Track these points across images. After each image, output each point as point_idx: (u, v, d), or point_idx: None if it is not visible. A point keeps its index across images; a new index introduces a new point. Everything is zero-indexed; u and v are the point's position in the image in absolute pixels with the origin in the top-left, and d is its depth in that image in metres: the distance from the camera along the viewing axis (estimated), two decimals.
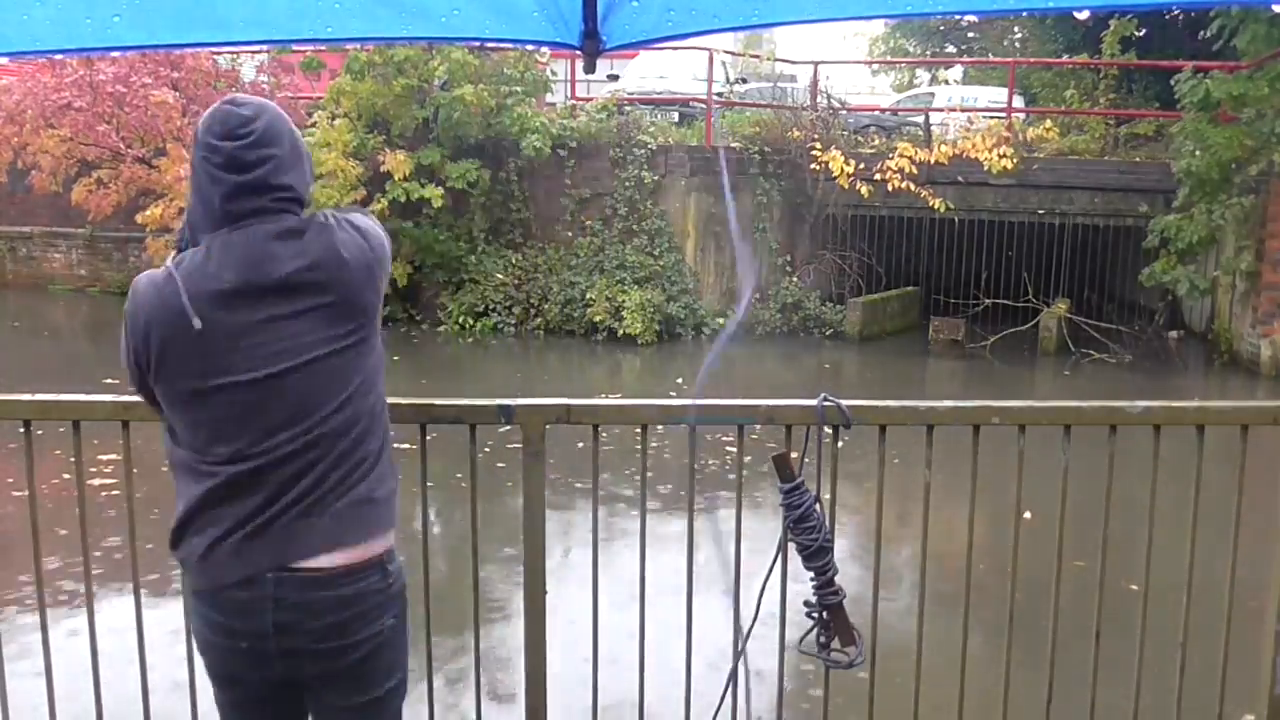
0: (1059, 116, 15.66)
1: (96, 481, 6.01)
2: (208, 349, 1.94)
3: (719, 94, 15.69)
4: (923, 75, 29.86)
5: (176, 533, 2.05)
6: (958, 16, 21.79)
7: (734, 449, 2.80)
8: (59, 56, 10.95)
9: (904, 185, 13.10)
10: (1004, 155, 13.21)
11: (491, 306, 13.62)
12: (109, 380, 8.13)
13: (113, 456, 6.13)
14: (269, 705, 2.14)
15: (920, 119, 15.86)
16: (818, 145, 13.81)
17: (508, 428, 2.66)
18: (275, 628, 1.97)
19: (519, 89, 13.98)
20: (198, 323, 1.91)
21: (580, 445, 2.77)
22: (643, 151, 13.97)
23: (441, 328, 13.57)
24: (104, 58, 12.84)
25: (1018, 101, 17.29)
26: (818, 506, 2.43)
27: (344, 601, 1.99)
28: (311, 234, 1.99)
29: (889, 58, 30.00)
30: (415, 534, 4.01)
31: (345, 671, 2.05)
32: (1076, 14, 1.96)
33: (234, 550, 1.97)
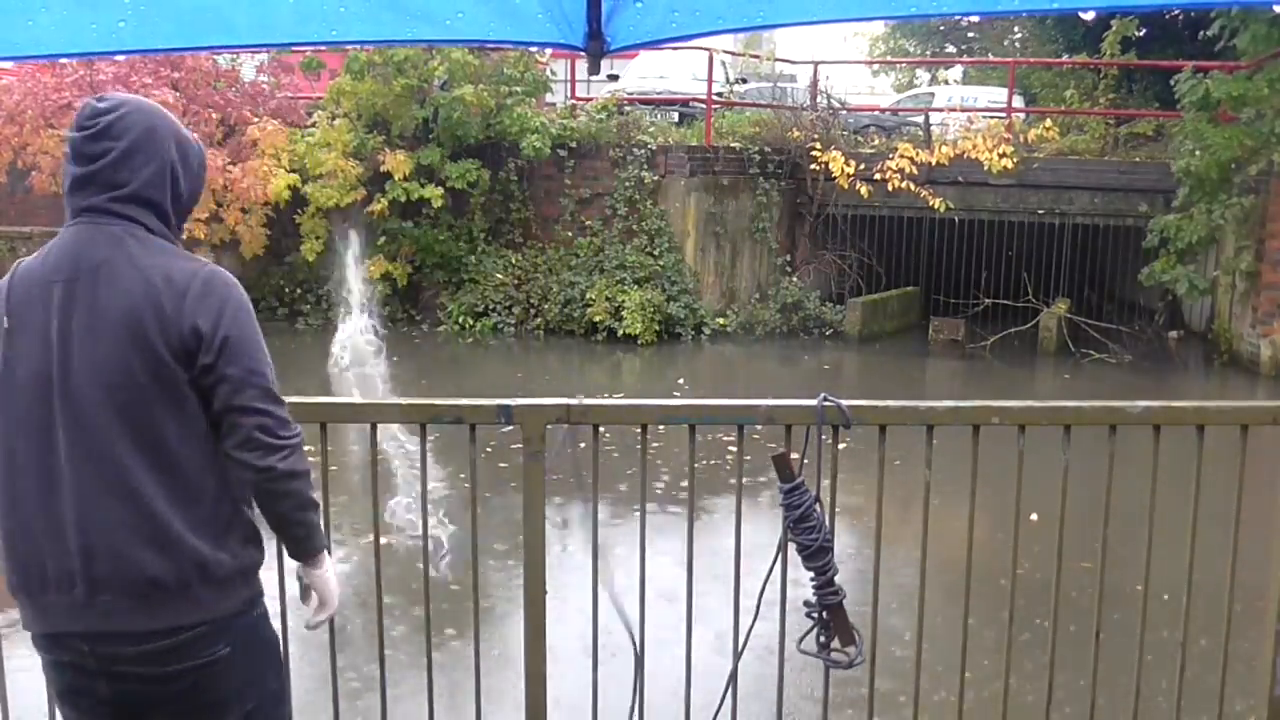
0: (1059, 116, 15.65)
1: None
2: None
3: (719, 94, 15.69)
4: (923, 75, 29.86)
5: None
6: (958, 17, 21.80)
7: (734, 449, 2.81)
8: (62, 59, 10.96)
9: (904, 185, 13.10)
10: (1004, 155, 13.21)
11: (491, 306, 13.61)
12: None
13: None
14: None
15: (920, 119, 15.87)
16: (818, 145, 13.81)
17: (509, 428, 2.67)
18: None
19: (519, 89, 13.97)
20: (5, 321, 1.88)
21: (582, 445, 2.77)
22: (643, 151, 13.97)
23: (441, 328, 13.57)
24: (104, 58, 12.85)
25: (1018, 101, 17.29)
26: (818, 506, 2.44)
27: None
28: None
29: (889, 58, 30.00)
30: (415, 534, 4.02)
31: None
32: (1080, 14, 1.96)
33: None
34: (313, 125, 13.88)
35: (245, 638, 1.99)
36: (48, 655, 1.96)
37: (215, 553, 1.91)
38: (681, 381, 11.26)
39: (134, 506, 1.86)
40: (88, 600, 1.86)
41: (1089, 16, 1.72)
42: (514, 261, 13.99)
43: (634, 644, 2.66)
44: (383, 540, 3.54)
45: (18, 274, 1.93)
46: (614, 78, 17.03)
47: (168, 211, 1.95)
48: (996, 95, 18.56)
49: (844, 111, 15.96)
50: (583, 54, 2.01)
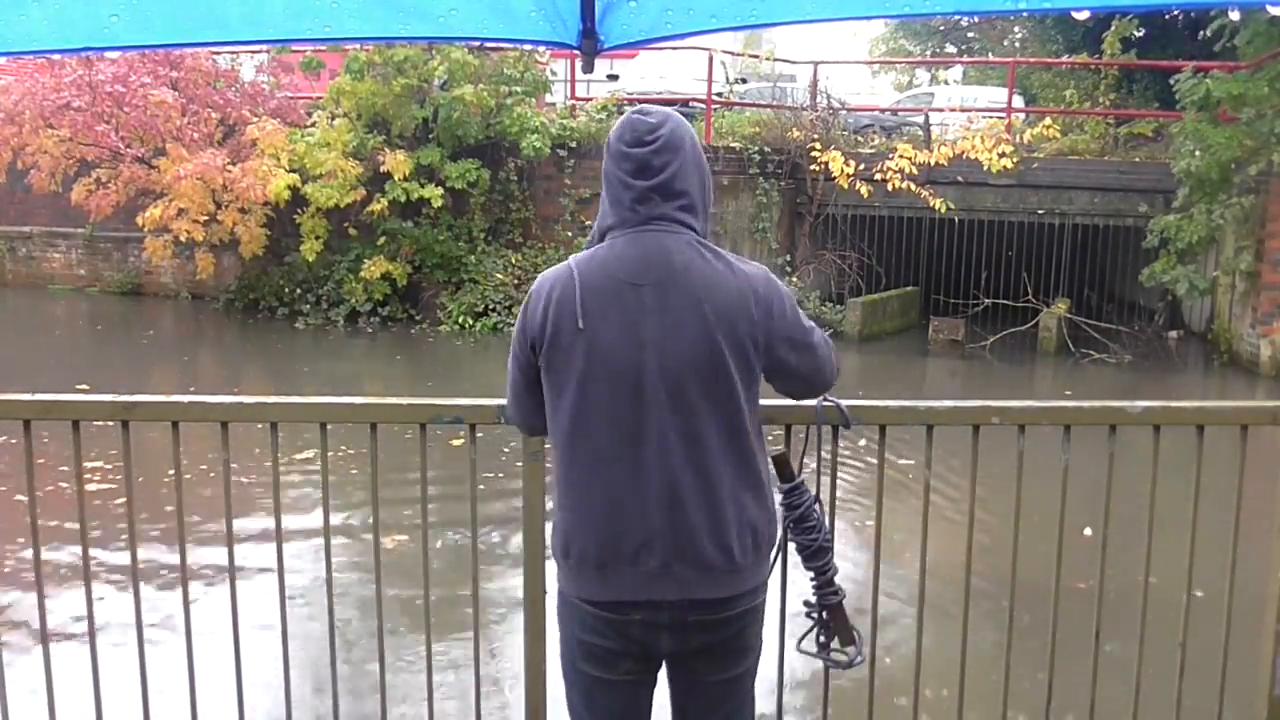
0: (1059, 116, 15.65)
1: (92, 486, 6.01)
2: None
3: (719, 94, 15.68)
4: (923, 75, 29.86)
5: None
6: (958, 17, 21.80)
7: None
8: (57, 56, 10.94)
9: (904, 185, 13.09)
10: (1004, 155, 13.20)
11: (491, 306, 13.60)
12: (82, 385, 8.12)
13: (99, 464, 6.13)
14: None
15: (920, 119, 15.86)
16: (818, 145, 13.80)
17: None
18: None
19: (519, 89, 13.97)
20: (582, 322, 2.03)
21: None
22: None
23: (441, 328, 13.56)
24: (103, 57, 12.83)
25: (1017, 101, 17.28)
26: (817, 506, 2.43)
27: None
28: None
29: (889, 58, 30.00)
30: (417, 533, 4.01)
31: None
32: (1076, 14, 1.96)
33: None
34: (312, 125, 13.88)
35: (764, 593, 2.23)
36: (610, 616, 2.12)
37: (767, 528, 2.19)
38: None
39: (713, 488, 2.07)
40: (661, 570, 2.07)
41: (1083, 16, 1.71)
42: (514, 261, 13.99)
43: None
44: (390, 544, 3.53)
45: (584, 278, 2.05)
46: (614, 78, 17.03)
47: (705, 216, 2.17)
48: (996, 95, 18.55)
49: (844, 111, 15.94)
50: (577, 52, 2.00)
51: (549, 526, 2.68)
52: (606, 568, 2.10)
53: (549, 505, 2.71)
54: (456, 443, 5.46)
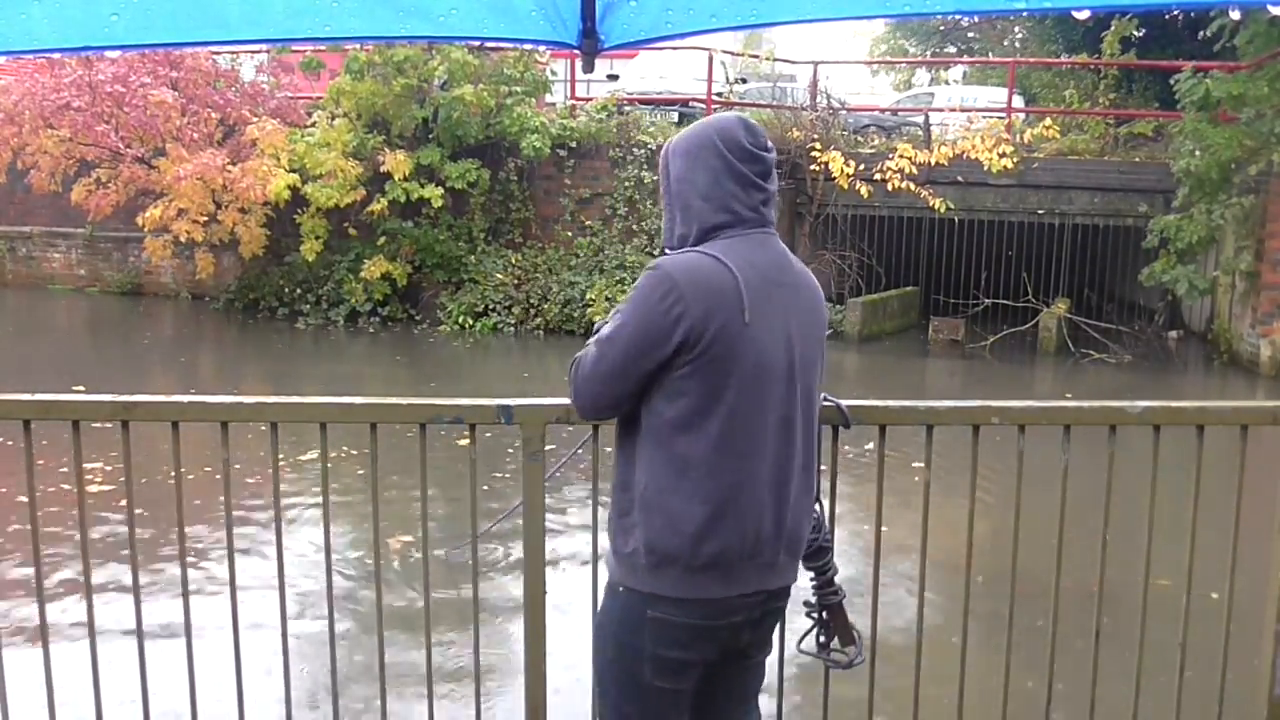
0: (1059, 116, 15.65)
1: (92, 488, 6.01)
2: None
3: (719, 94, 15.68)
4: (922, 75, 29.86)
5: None
6: (958, 16, 21.79)
7: None
8: (57, 56, 10.94)
9: (904, 185, 13.10)
10: (1004, 155, 13.20)
11: (491, 306, 13.61)
12: (79, 387, 8.10)
13: (98, 465, 6.13)
14: None
15: (920, 119, 15.86)
16: (817, 145, 13.80)
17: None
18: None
19: (519, 89, 13.97)
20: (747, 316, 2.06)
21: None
22: (642, 151, 13.97)
23: (441, 328, 13.56)
24: (103, 57, 12.83)
25: (1017, 101, 17.28)
26: (818, 506, 2.43)
27: None
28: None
29: (889, 58, 29.99)
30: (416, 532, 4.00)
31: None
32: (1076, 14, 1.96)
33: None
34: (312, 125, 13.87)
35: None
36: (707, 624, 2.14)
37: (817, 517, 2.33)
38: None
39: (810, 478, 2.24)
40: (773, 561, 2.16)
41: (1083, 16, 1.71)
42: (514, 261, 13.99)
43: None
44: (397, 546, 3.52)
45: (744, 275, 2.07)
46: (614, 77, 17.02)
47: None
48: (996, 95, 18.54)
49: (844, 111, 15.94)
50: (577, 52, 2.00)
51: (547, 531, 2.69)
52: (736, 565, 2.10)
53: (547, 505, 2.72)
54: (463, 442, 5.47)
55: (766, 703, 2.53)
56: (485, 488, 6.30)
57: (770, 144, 2.17)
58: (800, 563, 2.42)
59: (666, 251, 2.17)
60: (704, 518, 2.06)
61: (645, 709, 2.21)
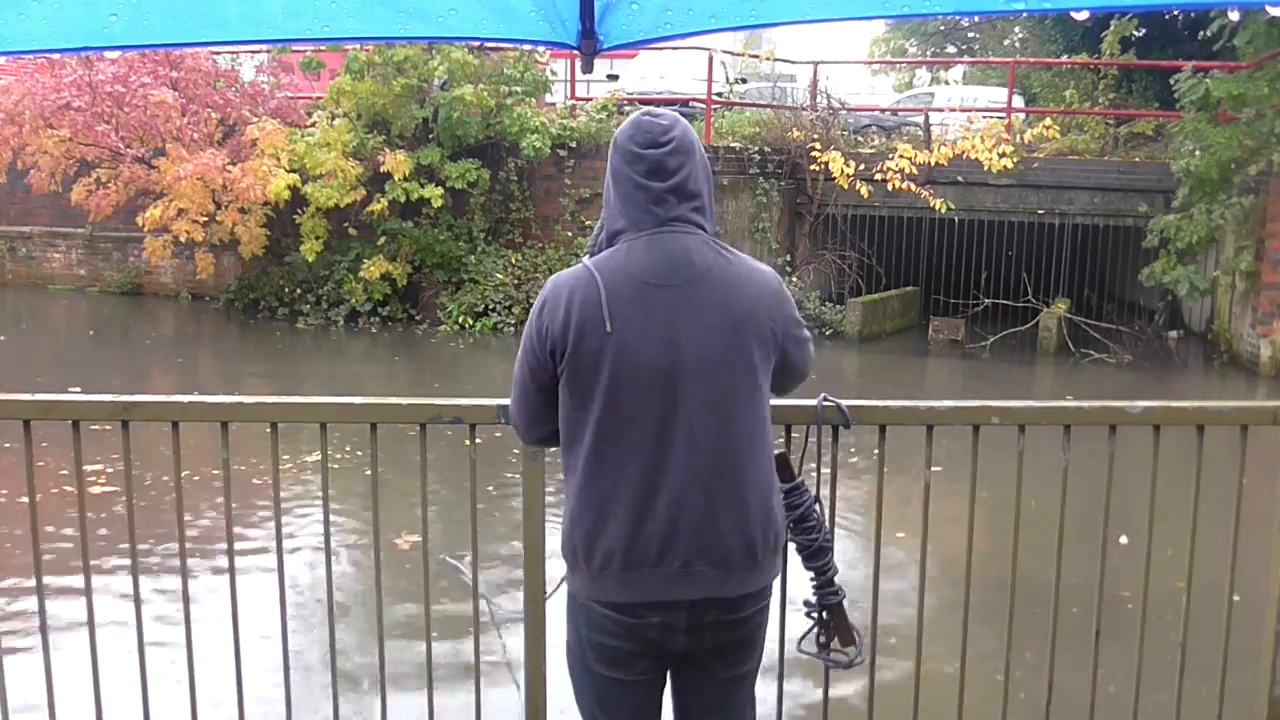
0: (1059, 116, 15.64)
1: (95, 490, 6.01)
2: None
3: (719, 94, 15.68)
4: (923, 75, 29.85)
5: None
6: (958, 16, 21.79)
7: None
8: (56, 56, 10.93)
9: (904, 185, 13.09)
10: (1004, 155, 13.19)
11: (491, 306, 13.61)
12: (74, 388, 8.10)
13: (100, 467, 6.13)
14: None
15: (920, 119, 15.85)
16: (817, 145, 13.79)
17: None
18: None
19: (519, 89, 13.97)
20: (609, 326, 2.02)
21: None
22: None
23: (441, 328, 13.56)
24: (102, 57, 12.83)
25: (1017, 101, 17.27)
26: (817, 506, 2.43)
27: None
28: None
29: (889, 58, 29.99)
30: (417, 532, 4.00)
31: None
32: (1075, 14, 1.96)
33: None
34: (312, 125, 13.87)
35: (770, 594, 2.24)
36: (627, 620, 2.11)
37: (779, 523, 2.20)
38: None
39: (734, 486, 2.09)
40: (686, 570, 2.07)
41: (1083, 16, 1.71)
42: (514, 261, 13.98)
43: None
44: (405, 546, 3.52)
45: (607, 281, 2.04)
46: (614, 77, 17.03)
47: (712, 217, 2.19)
48: (996, 95, 18.54)
49: (844, 111, 15.94)
50: (576, 52, 2.00)
51: (547, 528, 2.69)
52: (629, 569, 2.08)
53: (548, 504, 2.72)
54: (469, 443, 5.47)
55: (767, 704, 2.53)
56: (490, 488, 6.31)
57: (663, 138, 2.08)
58: (801, 564, 2.43)
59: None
60: (589, 521, 2.09)
61: (599, 697, 2.23)
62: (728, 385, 2.07)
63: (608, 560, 2.09)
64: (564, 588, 2.25)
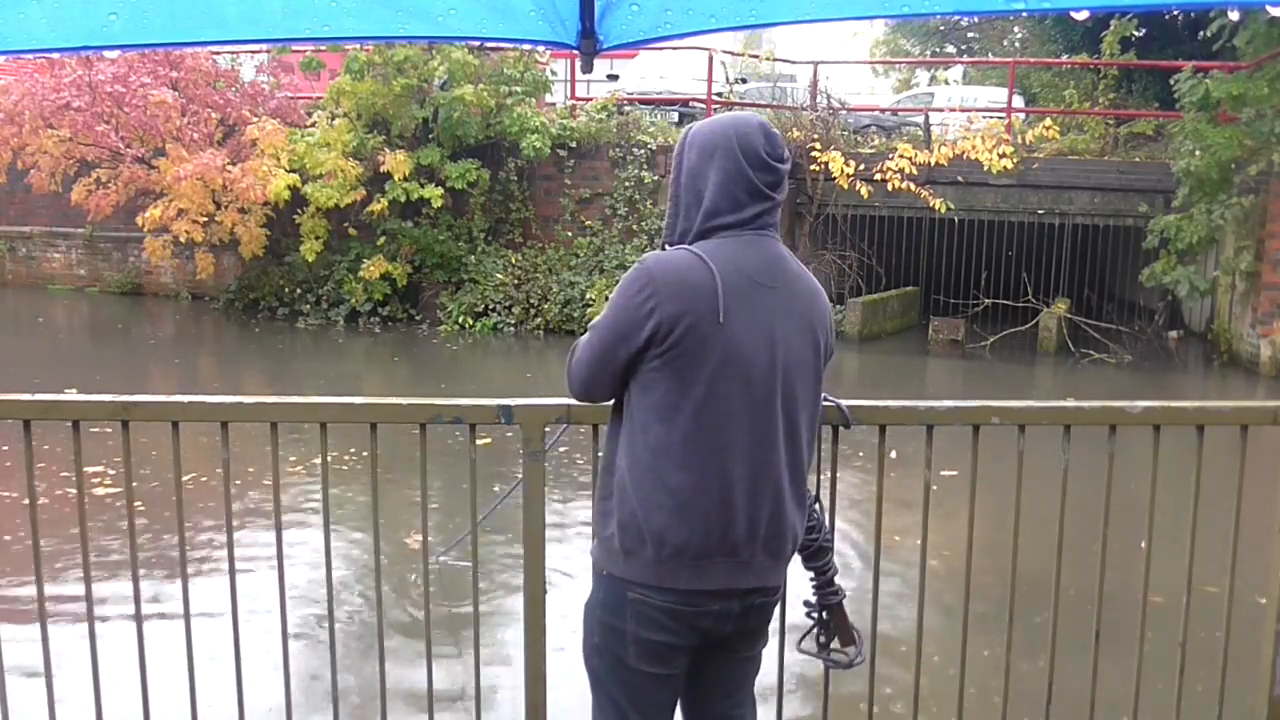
0: (1059, 116, 15.64)
1: (100, 491, 6.00)
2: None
3: (719, 94, 15.68)
4: (922, 75, 29.85)
5: None
6: (958, 16, 21.79)
7: None
8: (56, 55, 10.93)
9: (904, 185, 13.09)
10: (1004, 155, 13.19)
11: (491, 306, 13.61)
12: (70, 389, 8.09)
13: (99, 468, 6.13)
14: None
15: (920, 119, 15.85)
16: (818, 145, 13.79)
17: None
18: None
19: (519, 89, 13.97)
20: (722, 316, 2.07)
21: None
22: (642, 151, 13.97)
23: (441, 328, 13.56)
24: (102, 57, 12.82)
25: (1017, 101, 17.27)
26: (817, 506, 2.43)
27: None
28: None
29: (889, 58, 29.99)
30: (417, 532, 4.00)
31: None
32: (1075, 14, 1.96)
33: None
34: (312, 125, 13.87)
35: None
36: (685, 609, 2.15)
37: (806, 521, 2.30)
38: None
39: (798, 485, 2.22)
40: (749, 560, 2.16)
41: (1083, 16, 1.71)
42: (514, 261, 13.99)
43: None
44: (414, 545, 3.51)
45: (725, 275, 2.09)
46: (614, 77, 17.03)
47: None
48: (996, 95, 18.54)
49: (844, 111, 15.94)
50: (576, 52, 2.00)
51: (546, 528, 2.69)
52: (703, 558, 2.11)
53: (551, 504, 2.72)
54: (482, 442, 5.49)
55: (767, 705, 2.53)
56: (497, 488, 6.31)
57: (786, 154, 2.18)
58: (801, 564, 2.43)
59: (666, 246, 2.20)
60: (671, 507, 2.10)
61: (631, 693, 2.22)
62: (805, 388, 2.19)
63: (683, 548, 2.10)
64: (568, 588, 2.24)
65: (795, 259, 2.21)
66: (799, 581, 2.49)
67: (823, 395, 2.46)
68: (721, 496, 2.10)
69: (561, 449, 7.09)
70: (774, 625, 2.63)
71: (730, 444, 2.10)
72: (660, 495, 2.10)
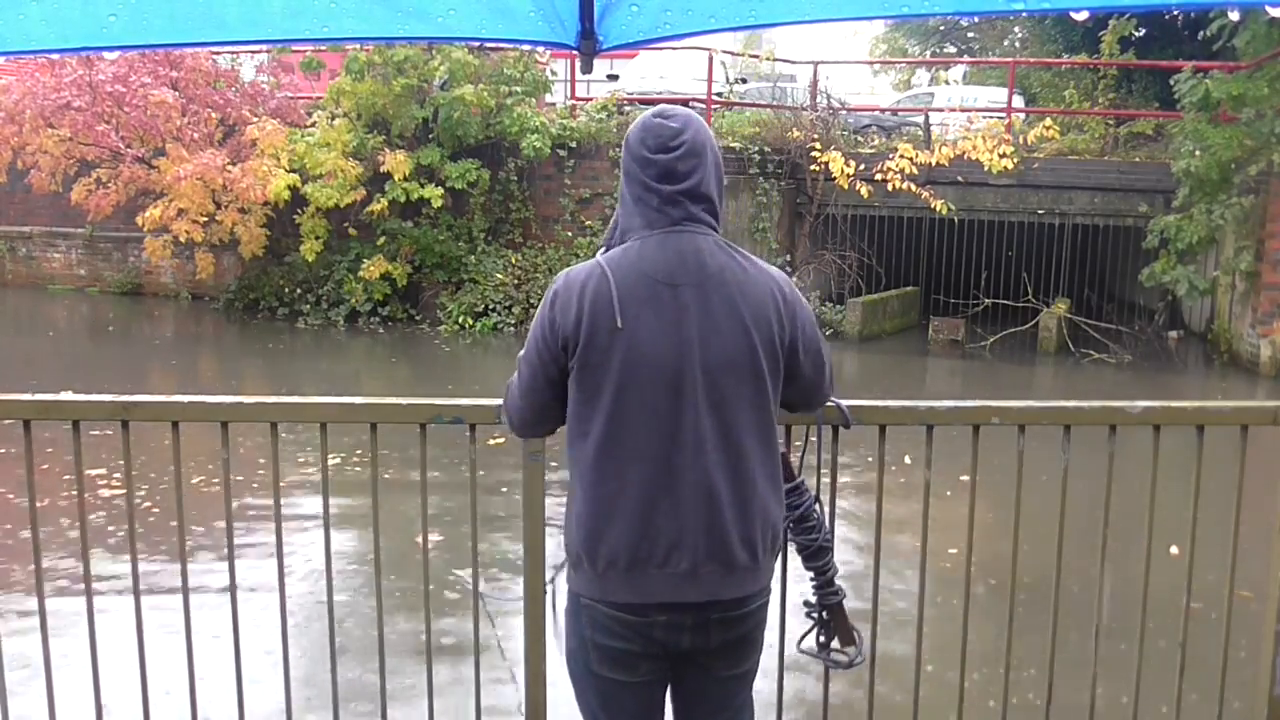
0: (1059, 116, 15.64)
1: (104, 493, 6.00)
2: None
3: (719, 94, 15.68)
4: (923, 75, 29.85)
5: None
6: (958, 16, 21.79)
7: None
8: (56, 56, 10.93)
9: (904, 185, 13.09)
10: (1004, 155, 13.19)
11: (491, 306, 13.61)
12: (66, 391, 8.09)
13: (100, 471, 6.12)
14: None
15: (920, 119, 15.85)
16: (818, 145, 13.79)
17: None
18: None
19: (519, 89, 13.97)
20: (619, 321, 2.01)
21: None
22: None
23: (441, 327, 13.56)
24: (102, 57, 12.83)
25: (1018, 101, 17.27)
26: (817, 506, 2.43)
27: None
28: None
29: (889, 58, 29.99)
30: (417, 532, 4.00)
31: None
32: (1075, 14, 1.96)
33: None
34: (312, 125, 13.87)
35: (770, 593, 2.23)
36: (633, 620, 2.10)
37: (779, 525, 2.19)
38: None
39: (745, 487, 2.08)
40: (691, 572, 2.06)
41: (1082, 16, 1.71)
42: (514, 261, 13.99)
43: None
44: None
45: (619, 278, 2.04)
46: (614, 78, 17.03)
47: (722, 217, 2.19)
48: (996, 95, 18.53)
49: (844, 111, 15.94)
50: (576, 53, 2.00)
51: (547, 530, 2.68)
52: (635, 570, 2.06)
53: (550, 505, 2.72)
54: (493, 442, 5.51)
55: (767, 705, 2.53)
56: (504, 489, 6.31)
57: (673, 141, 2.06)
58: (801, 564, 2.43)
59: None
60: (592, 522, 2.07)
61: (601, 699, 2.22)
62: (736, 387, 2.06)
63: (613, 561, 2.06)
64: (563, 592, 2.24)
65: (730, 252, 2.10)
66: (799, 582, 2.49)
67: (820, 392, 2.44)
68: (641, 506, 2.04)
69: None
70: (774, 626, 2.64)
71: (644, 452, 2.04)
72: (584, 508, 2.09)
